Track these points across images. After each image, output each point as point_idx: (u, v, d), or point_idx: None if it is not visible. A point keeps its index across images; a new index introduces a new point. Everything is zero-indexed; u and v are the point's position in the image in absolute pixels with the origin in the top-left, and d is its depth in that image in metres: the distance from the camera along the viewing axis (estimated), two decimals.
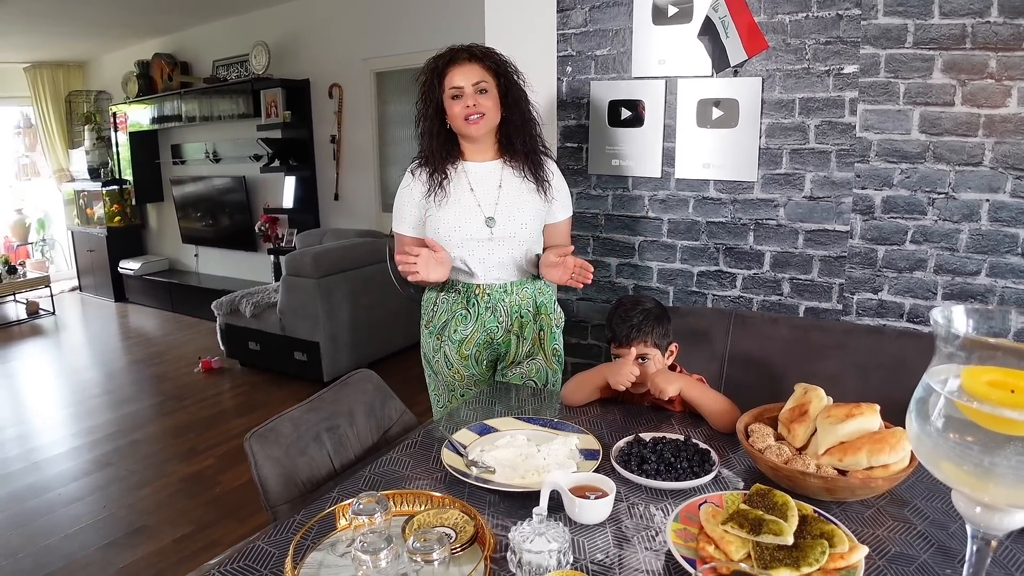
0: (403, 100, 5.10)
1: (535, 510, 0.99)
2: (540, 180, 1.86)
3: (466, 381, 1.94)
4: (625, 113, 2.40)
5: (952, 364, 0.87)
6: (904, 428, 1.24)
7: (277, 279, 5.32)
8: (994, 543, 0.89)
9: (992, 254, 1.98)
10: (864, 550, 1.00)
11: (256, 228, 5.79)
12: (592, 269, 1.80)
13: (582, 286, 1.81)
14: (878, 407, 1.31)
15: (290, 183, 5.63)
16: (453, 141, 1.86)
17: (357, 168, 5.36)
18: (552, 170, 1.92)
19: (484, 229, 1.82)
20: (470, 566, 1.00)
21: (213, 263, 6.70)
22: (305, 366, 4.31)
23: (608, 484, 1.18)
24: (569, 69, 2.49)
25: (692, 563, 0.99)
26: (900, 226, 2.09)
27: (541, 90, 2.25)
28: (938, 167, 2.00)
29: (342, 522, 1.13)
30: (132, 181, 6.96)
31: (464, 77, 1.76)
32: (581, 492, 1.16)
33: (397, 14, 4.80)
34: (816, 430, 1.34)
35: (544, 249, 1.94)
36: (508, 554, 1.00)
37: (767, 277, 2.32)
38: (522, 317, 1.90)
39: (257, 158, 5.67)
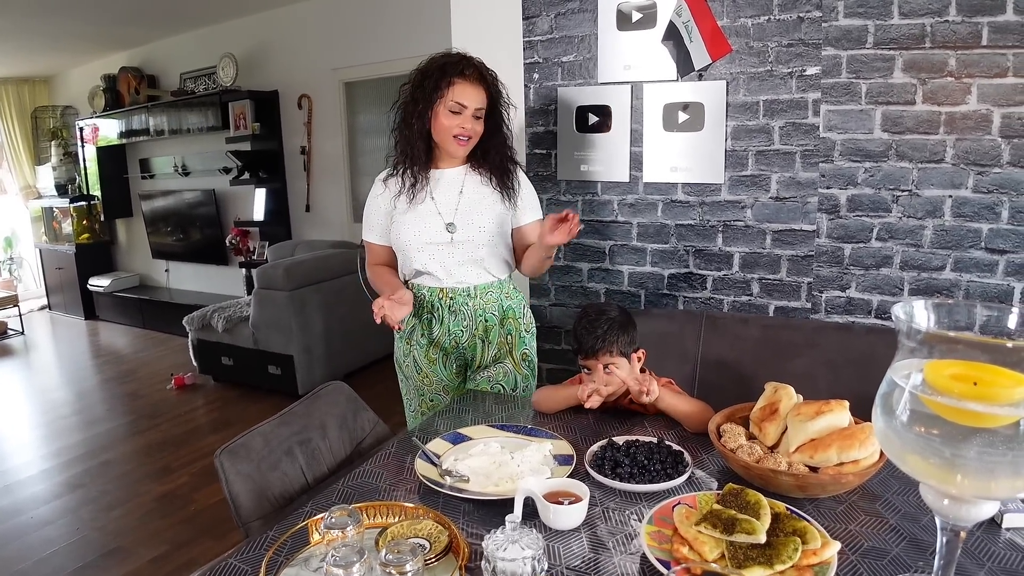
0: (373, 110, 5.08)
1: (508, 517, 0.98)
2: (506, 187, 1.87)
3: (435, 386, 1.94)
4: (592, 118, 2.41)
5: (915, 359, 0.88)
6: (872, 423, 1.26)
7: (249, 293, 5.26)
8: (963, 534, 0.90)
9: (956, 249, 2.02)
10: (837, 545, 1.01)
11: (227, 241, 5.72)
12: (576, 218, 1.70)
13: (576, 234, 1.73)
14: (847, 403, 1.33)
15: (260, 195, 5.58)
16: (430, 144, 1.85)
17: (328, 179, 5.33)
18: (519, 177, 1.92)
19: (444, 234, 1.83)
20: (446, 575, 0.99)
21: (184, 278, 6.61)
22: (280, 380, 4.26)
23: (582, 489, 1.17)
24: (536, 76, 2.50)
25: (667, 565, 0.99)
26: (865, 224, 2.12)
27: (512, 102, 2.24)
28: (901, 165, 2.04)
29: (315, 536, 1.11)
30: (100, 197, 6.85)
31: (469, 97, 1.75)
32: (555, 498, 1.15)
33: (366, 24, 4.79)
34: (787, 428, 1.35)
35: (516, 252, 1.95)
36: (483, 563, 0.99)
37: (736, 278, 2.34)
38: (487, 321, 1.90)
39: (227, 171, 5.62)
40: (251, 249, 5.63)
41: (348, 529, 1.01)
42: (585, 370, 1.65)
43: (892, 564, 1.03)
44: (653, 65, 2.28)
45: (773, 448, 1.34)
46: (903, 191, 2.05)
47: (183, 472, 3.34)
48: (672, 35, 2.21)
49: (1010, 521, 1.11)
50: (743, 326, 2.22)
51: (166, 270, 6.72)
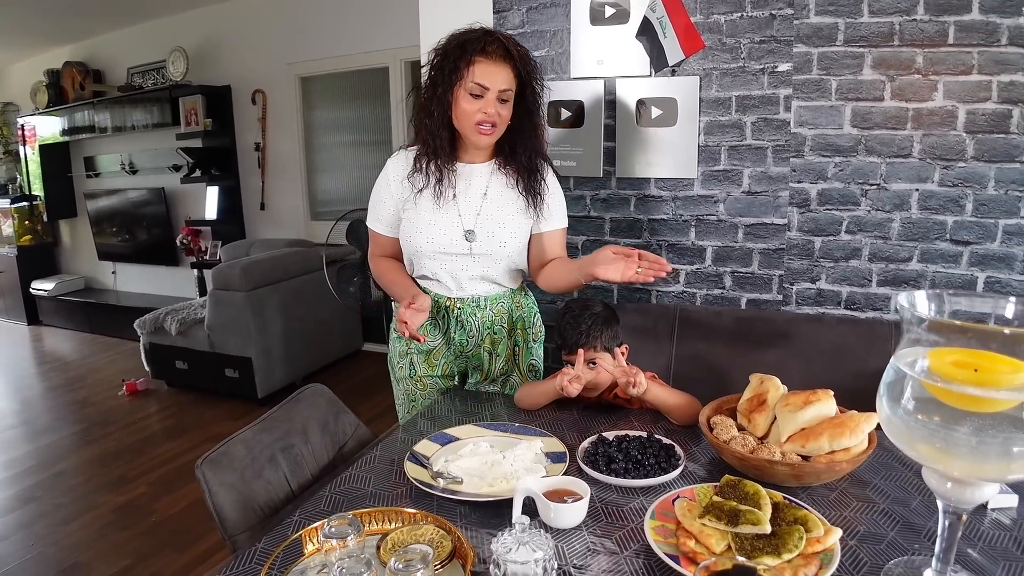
0: (330, 106, 4.99)
1: (516, 519, 0.96)
2: (533, 193, 1.69)
3: (428, 391, 1.84)
4: (565, 114, 2.40)
5: (918, 347, 0.90)
6: (859, 412, 1.29)
7: (202, 294, 5.12)
8: (964, 516, 0.93)
9: (923, 241, 2.07)
10: (838, 532, 1.02)
11: (178, 241, 5.54)
12: (665, 263, 1.51)
13: (653, 279, 1.53)
14: (832, 392, 1.35)
15: (212, 193, 5.42)
16: (454, 134, 1.66)
17: (283, 176, 5.21)
18: (548, 180, 1.74)
19: (462, 243, 1.69)
20: None
21: (132, 280, 6.38)
22: (237, 383, 4.14)
23: (582, 486, 1.16)
24: None
25: (675, 559, 0.99)
26: (835, 217, 2.16)
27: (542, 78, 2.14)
28: (870, 159, 2.08)
29: (309, 547, 1.07)
30: (43, 196, 6.56)
31: (493, 78, 1.55)
32: (555, 496, 1.14)
33: (323, 17, 4.69)
34: (776, 419, 1.37)
35: (532, 259, 1.80)
36: (491, 568, 0.97)
37: (709, 271, 2.36)
38: (495, 333, 1.79)
39: (177, 168, 5.44)
40: (203, 249, 5.46)
41: (349, 538, 0.98)
42: (569, 366, 1.64)
43: (890, 548, 1.05)
44: (626, 60, 2.28)
45: (763, 439, 1.35)
46: (872, 185, 2.10)
47: (141, 482, 3.22)
48: (646, 31, 2.21)
49: (995, 502, 1.15)
50: (716, 319, 2.24)
51: (113, 272, 6.48)
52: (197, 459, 1.31)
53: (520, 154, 1.67)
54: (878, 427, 1.25)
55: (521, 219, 1.72)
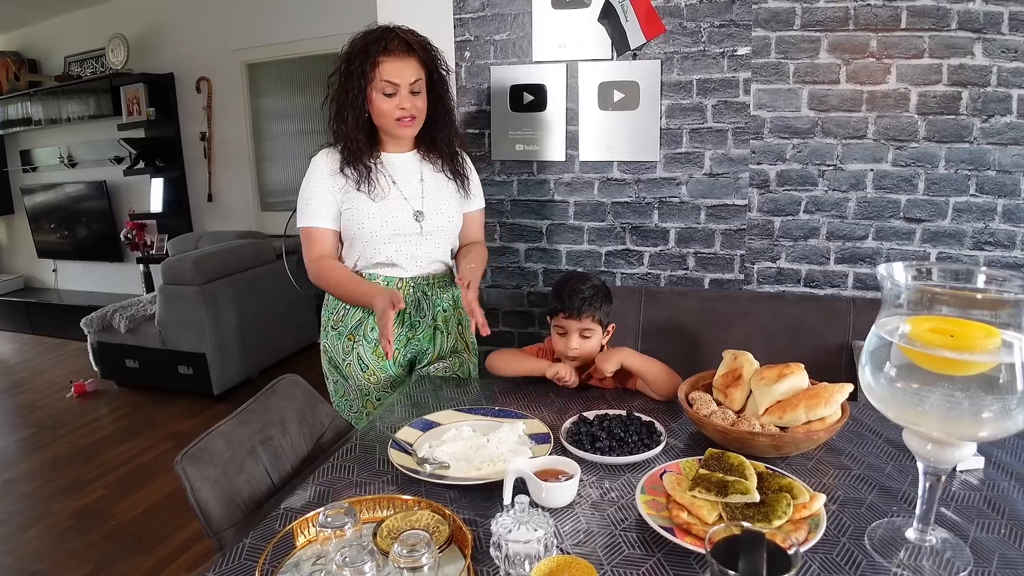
0: (279, 93, 4.88)
1: (516, 499, 0.97)
2: (457, 174, 1.81)
3: (382, 383, 1.82)
4: (528, 98, 2.41)
5: (897, 316, 0.94)
6: (830, 383, 1.34)
7: (149, 290, 4.98)
8: (944, 478, 0.97)
9: (877, 219, 2.15)
10: (822, 498, 1.05)
11: (122, 236, 5.35)
12: (485, 325, 1.59)
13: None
14: (803, 366, 1.39)
15: (157, 185, 5.26)
16: (373, 130, 1.74)
17: (231, 166, 5.08)
18: (467, 162, 1.86)
19: (413, 223, 1.75)
20: (454, 566, 0.97)
21: (74, 278, 6.14)
22: (191, 380, 4.04)
23: (572, 465, 1.17)
24: (467, 54, 2.46)
25: (670, 531, 1.01)
26: (794, 198, 2.23)
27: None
28: (826, 141, 2.15)
29: (300, 539, 1.06)
30: None
31: (400, 73, 1.63)
32: (546, 476, 1.15)
33: (270, 2, 4.57)
34: (751, 392, 1.41)
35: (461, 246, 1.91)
36: (492, 549, 0.98)
37: (673, 253, 2.41)
38: (445, 311, 1.85)
39: (119, 160, 5.26)
40: (148, 243, 5.28)
41: (347, 527, 0.97)
42: (558, 330, 1.65)
43: (870, 511, 1.09)
44: (588, 44, 2.30)
45: (740, 412, 1.39)
46: (828, 166, 2.17)
47: (97, 485, 3.11)
48: (608, 14, 2.23)
49: (964, 464, 1.20)
50: (681, 299, 2.29)
51: (54, 270, 6.22)
52: (155, 459, 1.28)
53: (439, 141, 1.78)
54: (850, 397, 1.30)
55: (456, 198, 1.83)
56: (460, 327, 1.89)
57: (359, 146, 1.69)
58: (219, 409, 3.82)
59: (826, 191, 2.18)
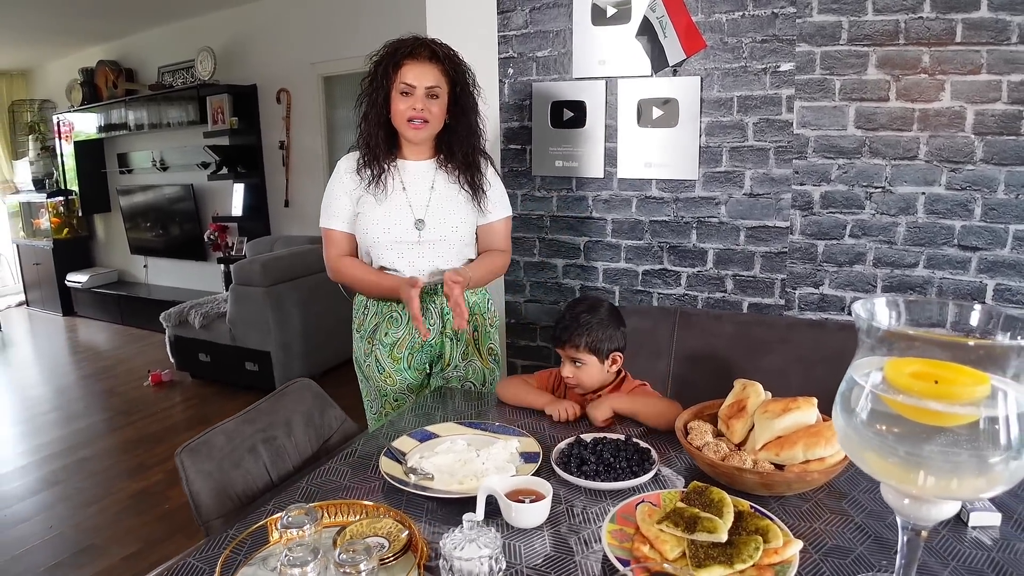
0: (351, 105, 5.01)
1: (466, 516, 0.97)
2: (474, 188, 1.81)
3: (399, 386, 1.87)
4: (568, 114, 2.40)
5: (875, 356, 0.88)
6: None
7: (227, 288, 5.22)
8: (925, 533, 0.90)
9: (929, 246, 2.02)
10: (798, 544, 1.00)
11: (205, 237, 5.66)
12: (464, 316, 1.69)
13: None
14: (815, 401, 1.32)
15: (239, 190, 5.52)
16: (394, 134, 1.79)
17: (307, 174, 5.28)
18: (488, 174, 1.86)
19: (413, 231, 1.78)
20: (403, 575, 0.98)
21: (163, 274, 6.54)
22: (257, 376, 4.23)
23: (545, 487, 1.16)
24: (511, 71, 2.48)
25: (625, 563, 0.98)
26: (839, 221, 2.12)
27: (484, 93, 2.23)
28: (874, 162, 2.04)
29: (274, 535, 1.09)
30: (78, 191, 6.75)
31: (418, 76, 1.68)
32: (517, 496, 1.14)
33: (344, 18, 4.75)
34: (754, 426, 1.35)
35: (480, 246, 1.91)
36: (440, 562, 0.98)
37: (711, 274, 2.34)
38: None
39: (204, 166, 5.56)
40: (229, 244, 5.58)
41: (306, 528, 0.99)
42: (567, 404, 1.63)
43: (855, 563, 1.02)
44: (628, 60, 2.27)
45: (740, 445, 1.33)
46: (876, 188, 2.05)
47: (158, 469, 3.30)
48: (646, 30, 2.20)
49: (976, 520, 1.10)
50: (717, 323, 2.21)
51: (145, 266, 6.64)
52: None
53: (457, 152, 1.79)
54: None
55: (468, 209, 1.83)
56: (475, 333, 1.90)
57: (378, 144, 1.75)
58: None
59: (873, 215, 2.07)
